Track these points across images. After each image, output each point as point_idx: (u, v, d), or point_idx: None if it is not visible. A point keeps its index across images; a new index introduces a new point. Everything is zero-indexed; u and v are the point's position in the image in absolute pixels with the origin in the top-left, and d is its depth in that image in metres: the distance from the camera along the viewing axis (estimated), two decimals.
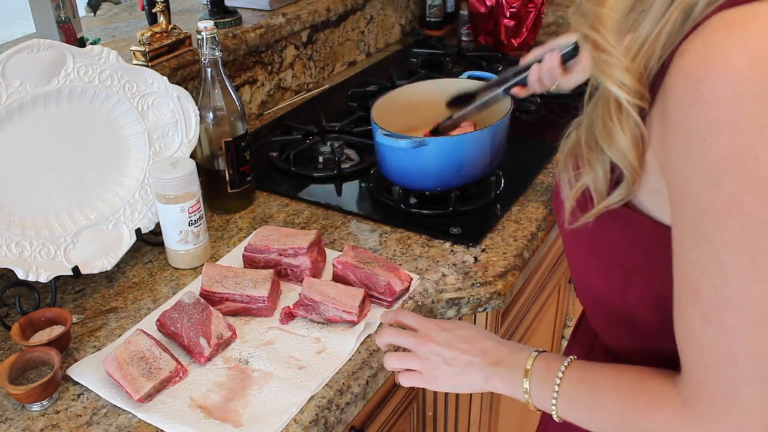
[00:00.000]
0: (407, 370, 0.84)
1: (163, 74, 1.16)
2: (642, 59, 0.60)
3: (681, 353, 0.63)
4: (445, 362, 0.81)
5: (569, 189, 0.70)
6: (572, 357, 0.75)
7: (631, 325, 0.73)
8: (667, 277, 0.62)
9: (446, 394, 1.25)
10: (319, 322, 1.00)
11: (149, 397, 0.88)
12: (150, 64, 1.33)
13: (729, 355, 0.57)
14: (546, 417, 0.88)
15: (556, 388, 0.73)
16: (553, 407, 0.74)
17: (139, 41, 1.34)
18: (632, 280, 0.69)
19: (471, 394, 1.25)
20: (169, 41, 1.37)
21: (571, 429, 0.76)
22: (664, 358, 0.68)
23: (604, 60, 0.61)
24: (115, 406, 0.88)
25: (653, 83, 0.60)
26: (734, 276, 0.55)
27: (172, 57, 1.38)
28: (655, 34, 0.58)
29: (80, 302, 1.07)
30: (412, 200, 1.28)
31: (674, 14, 0.57)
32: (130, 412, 0.87)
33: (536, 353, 0.77)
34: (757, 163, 0.52)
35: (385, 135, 1.18)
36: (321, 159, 1.42)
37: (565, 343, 1.67)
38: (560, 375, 0.73)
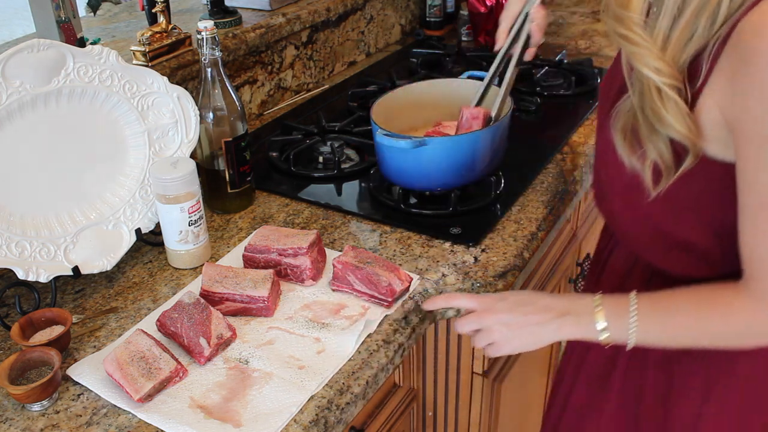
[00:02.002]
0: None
1: (163, 74, 1.16)
2: (674, 47, 0.71)
3: (750, 259, 0.75)
4: (513, 327, 0.89)
5: (641, 165, 0.79)
6: (634, 291, 0.84)
7: (689, 251, 0.85)
8: (729, 206, 0.75)
9: (446, 394, 1.25)
10: (315, 321, 1.00)
11: (149, 397, 0.88)
12: (150, 64, 1.33)
13: None
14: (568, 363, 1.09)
15: (633, 318, 0.82)
16: (632, 335, 0.83)
17: (139, 41, 1.34)
18: (700, 215, 0.81)
19: (471, 395, 1.25)
20: (169, 41, 1.37)
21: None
22: (720, 276, 0.81)
23: (637, 52, 0.72)
24: (115, 406, 0.88)
25: (714, 56, 0.70)
26: None
27: (172, 57, 1.38)
28: (683, 24, 0.70)
29: (80, 302, 1.07)
30: (412, 200, 1.28)
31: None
32: (130, 412, 0.87)
33: (597, 296, 0.86)
34: None
35: (385, 135, 1.18)
36: (321, 159, 1.42)
37: (564, 343, 1.67)
38: (634, 306, 0.83)
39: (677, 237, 0.85)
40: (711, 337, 0.82)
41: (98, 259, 1.09)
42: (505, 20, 1.23)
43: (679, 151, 0.76)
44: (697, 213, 0.81)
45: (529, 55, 1.22)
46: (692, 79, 0.73)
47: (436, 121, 1.36)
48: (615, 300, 0.85)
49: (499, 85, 1.24)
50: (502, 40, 1.23)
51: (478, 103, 1.28)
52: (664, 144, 0.76)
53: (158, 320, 0.98)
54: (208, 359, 0.93)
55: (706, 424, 0.94)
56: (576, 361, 1.09)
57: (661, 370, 0.95)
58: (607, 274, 1.04)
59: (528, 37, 1.20)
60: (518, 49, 1.22)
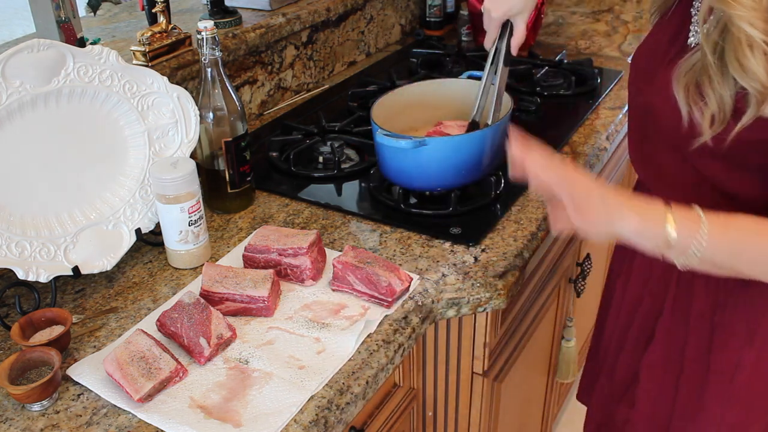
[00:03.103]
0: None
1: (163, 74, 1.16)
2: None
3: None
4: (588, 201, 0.86)
5: (700, 116, 0.87)
6: (697, 207, 0.85)
7: (734, 201, 0.92)
8: None
9: (446, 394, 1.25)
10: (315, 321, 1.00)
11: (149, 397, 0.88)
12: (150, 64, 1.33)
13: None
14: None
15: (704, 229, 0.83)
16: (699, 249, 0.83)
17: (139, 41, 1.34)
18: (750, 168, 0.89)
19: (471, 395, 1.25)
20: (169, 41, 1.37)
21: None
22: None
23: (743, 15, 0.80)
24: (115, 406, 0.88)
25: None
26: None
27: (172, 57, 1.38)
28: None
29: (80, 302, 1.07)
30: (412, 200, 1.28)
31: None
32: (130, 412, 0.87)
33: (661, 200, 0.86)
34: None
35: (385, 135, 1.18)
36: (321, 159, 1.42)
37: (565, 343, 1.67)
38: (703, 216, 0.83)
39: (725, 188, 0.92)
40: None
41: (98, 259, 1.09)
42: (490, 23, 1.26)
43: (739, 106, 0.84)
44: (747, 167, 0.89)
45: (515, 49, 1.23)
46: None
47: (437, 121, 1.36)
48: (685, 212, 0.84)
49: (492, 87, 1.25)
50: (489, 42, 1.26)
51: (479, 109, 1.29)
52: (731, 96, 0.84)
53: (158, 320, 0.98)
54: (208, 359, 0.93)
55: (744, 371, 1.01)
56: (624, 320, 1.17)
57: (704, 320, 1.02)
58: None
59: (511, 33, 1.22)
60: (503, 47, 1.23)
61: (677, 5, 1.02)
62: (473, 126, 1.29)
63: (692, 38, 0.95)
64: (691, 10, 0.98)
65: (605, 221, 0.86)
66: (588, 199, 0.87)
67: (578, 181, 0.88)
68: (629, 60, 1.89)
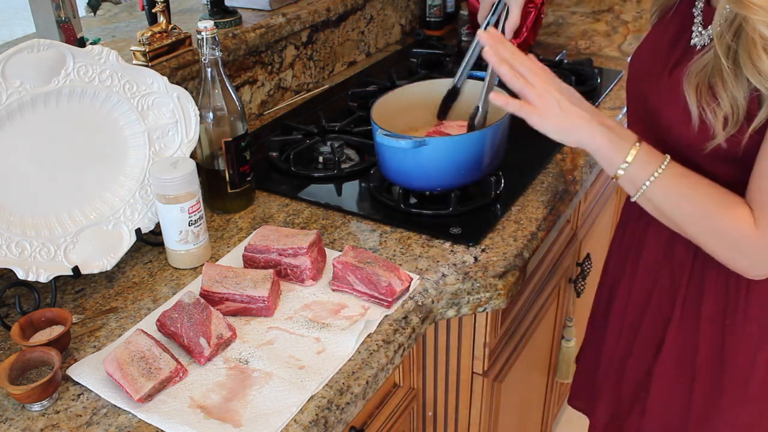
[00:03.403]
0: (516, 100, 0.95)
1: (163, 74, 1.16)
2: None
3: (759, 190, 0.87)
4: (560, 107, 0.92)
5: (713, 117, 0.88)
6: (668, 156, 0.92)
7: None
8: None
9: (446, 394, 1.25)
10: (315, 321, 1.00)
11: (149, 397, 0.88)
12: (150, 64, 1.33)
13: None
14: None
15: (660, 170, 0.91)
16: (647, 185, 0.92)
17: (139, 41, 1.34)
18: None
19: (471, 395, 1.25)
20: (169, 41, 1.37)
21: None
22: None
23: (754, 15, 0.82)
24: (115, 406, 0.88)
25: None
26: None
27: (172, 57, 1.38)
28: None
29: (80, 302, 1.07)
30: (412, 200, 1.28)
31: None
32: (130, 412, 0.87)
33: (638, 136, 0.93)
34: None
35: (385, 135, 1.18)
36: (321, 159, 1.42)
37: (565, 343, 1.67)
38: (667, 161, 0.92)
39: (734, 190, 0.93)
40: (708, 229, 0.92)
41: (98, 259, 1.09)
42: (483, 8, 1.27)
43: (751, 107, 0.86)
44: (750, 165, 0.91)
45: (509, 34, 1.23)
46: None
47: (437, 121, 1.36)
48: (651, 149, 0.93)
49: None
50: (481, 17, 1.27)
51: (451, 98, 1.31)
52: (744, 97, 0.86)
53: (158, 320, 0.98)
54: (208, 359, 0.93)
55: (758, 372, 1.02)
56: (630, 325, 1.17)
57: (715, 324, 1.03)
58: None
59: (506, 17, 1.22)
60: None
61: (678, 6, 1.03)
62: (471, 122, 1.28)
63: (696, 39, 0.95)
64: (693, 11, 0.98)
65: (565, 128, 0.93)
66: (564, 109, 0.92)
67: (555, 81, 0.94)
68: (629, 60, 1.89)
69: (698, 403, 1.08)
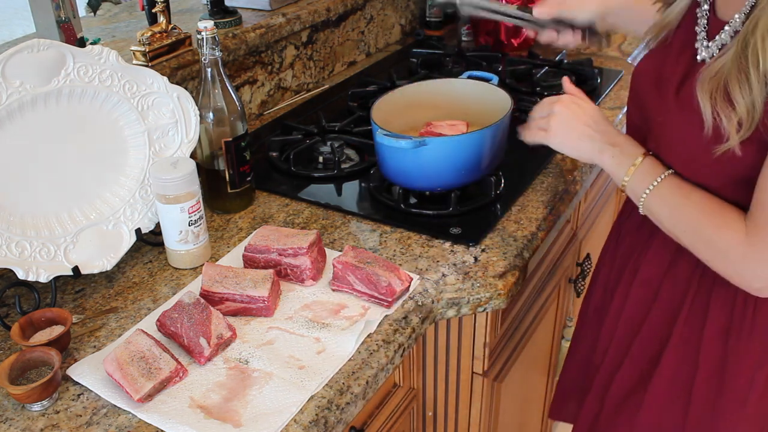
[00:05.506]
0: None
1: (163, 74, 1.16)
2: None
3: (755, 202, 0.88)
4: (569, 126, 1.04)
5: (728, 122, 0.88)
6: (670, 170, 0.97)
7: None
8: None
9: (446, 394, 1.25)
10: (315, 321, 1.00)
11: (149, 397, 0.88)
12: (150, 64, 1.33)
13: None
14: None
15: (656, 183, 0.96)
16: (644, 196, 0.98)
17: (139, 41, 1.34)
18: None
19: (471, 395, 1.25)
20: (169, 41, 1.37)
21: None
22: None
23: None
24: (115, 406, 0.88)
25: None
26: None
27: (172, 57, 1.38)
28: None
29: (80, 302, 1.07)
30: (412, 200, 1.28)
31: None
32: (130, 412, 0.87)
33: (644, 152, 1.00)
34: None
35: (385, 135, 1.18)
36: (321, 159, 1.42)
37: (565, 343, 1.67)
38: (664, 175, 0.96)
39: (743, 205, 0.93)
40: (701, 239, 0.94)
41: (98, 259, 1.09)
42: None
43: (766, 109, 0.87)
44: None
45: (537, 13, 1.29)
46: None
47: (427, 122, 1.34)
48: (653, 163, 0.98)
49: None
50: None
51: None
52: (759, 102, 0.86)
53: (158, 320, 0.98)
54: (208, 359, 0.93)
55: (756, 390, 1.01)
56: (622, 339, 1.16)
57: (716, 346, 1.02)
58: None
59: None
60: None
61: (677, 29, 1.02)
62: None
63: (703, 54, 0.95)
64: (696, 28, 0.97)
65: (579, 151, 1.05)
66: (573, 129, 1.04)
67: (574, 103, 1.05)
68: (629, 60, 1.89)
69: (693, 423, 1.06)
